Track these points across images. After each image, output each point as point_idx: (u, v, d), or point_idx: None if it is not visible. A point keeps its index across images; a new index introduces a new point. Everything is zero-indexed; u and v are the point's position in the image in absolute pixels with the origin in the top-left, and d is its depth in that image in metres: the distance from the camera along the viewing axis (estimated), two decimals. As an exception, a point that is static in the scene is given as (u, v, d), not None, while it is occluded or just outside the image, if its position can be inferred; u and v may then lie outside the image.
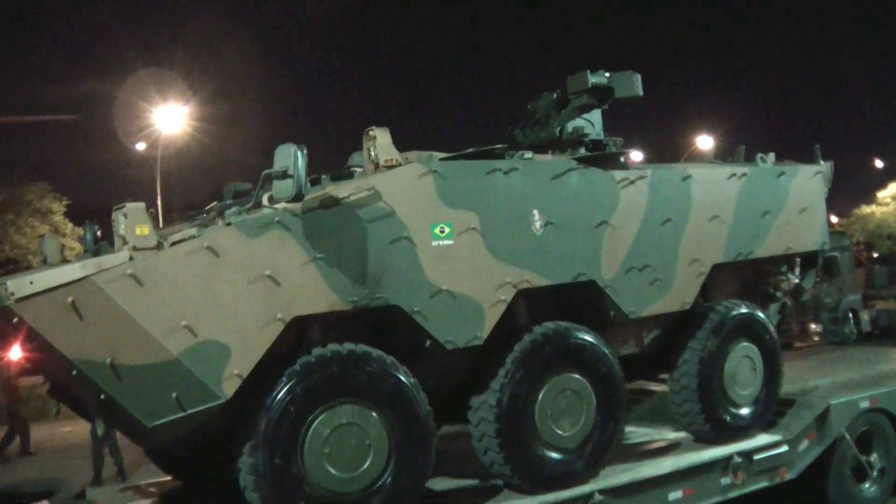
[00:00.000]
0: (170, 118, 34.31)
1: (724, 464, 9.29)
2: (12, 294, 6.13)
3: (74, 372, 6.41)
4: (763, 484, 9.65)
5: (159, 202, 33.48)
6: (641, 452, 9.61)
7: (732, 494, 9.31)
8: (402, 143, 7.86)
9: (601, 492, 8.25)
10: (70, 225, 31.85)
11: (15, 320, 6.22)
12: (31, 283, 6.19)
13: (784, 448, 9.80)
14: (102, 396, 6.55)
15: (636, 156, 19.35)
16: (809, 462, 10.06)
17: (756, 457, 9.54)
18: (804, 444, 10.03)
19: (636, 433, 10.64)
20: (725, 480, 9.27)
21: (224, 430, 7.07)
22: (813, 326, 23.23)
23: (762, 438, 9.88)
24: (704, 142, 34.49)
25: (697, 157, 10.93)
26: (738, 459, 9.33)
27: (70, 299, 6.20)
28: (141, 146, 35.91)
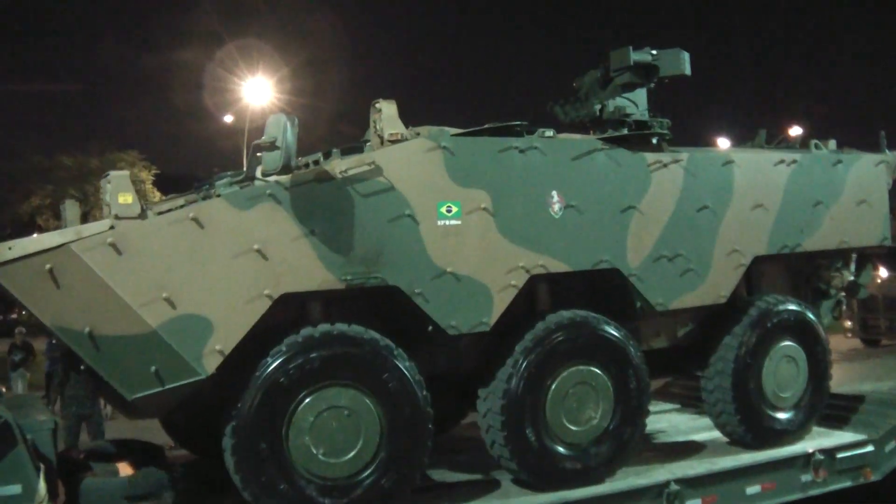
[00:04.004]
0: (258, 90, 34.61)
1: (804, 460, 8.81)
2: None
3: (54, 341, 6.33)
4: (846, 483, 9.11)
5: (245, 173, 33.87)
6: (718, 444, 9.25)
7: (814, 492, 8.84)
8: (464, 119, 7.54)
9: (677, 481, 7.97)
10: (158, 194, 32.51)
11: None
12: (10, 248, 6.11)
13: (869, 448, 9.23)
14: (83, 367, 6.45)
15: (723, 142, 18.62)
16: None
17: (839, 455, 9.02)
18: (891, 445, 9.40)
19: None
20: (806, 477, 8.80)
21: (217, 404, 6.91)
22: (902, 324, 22.17)
23: (846, 436, 9.40)
24: (796, 131, 33.19)
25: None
26: (819, 456, 8.84)
27: (48, 266, 6.09)
28: (229, 118, 36.39)
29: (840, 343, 21.70)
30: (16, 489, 5.95)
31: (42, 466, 6.16)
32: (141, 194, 31.66)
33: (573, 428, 7.79)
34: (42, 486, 6.05)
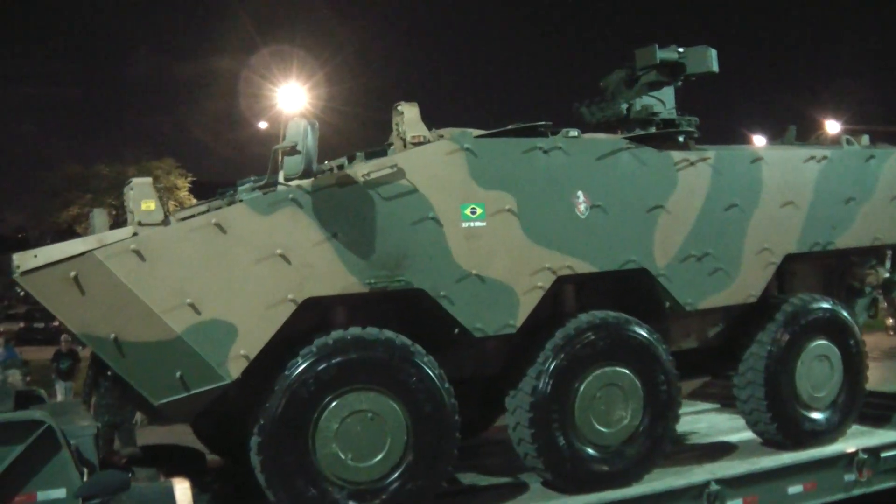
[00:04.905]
0: (292, 97, 34.67)
1: (848, 459, 8.71)
2: (18, 267, 6.11)
3: (80, 348, 6.38)
4: (891, 484, 8.98)
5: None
6: (758, 444, 9.15)
7: (857, 492, 8.73)
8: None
9: (717, 482, 7.91)
10: (195, 201, 32.74)
11: (22, 294, 6.24)
12: (35, 256, 6.16)
13: None
14: (109, 373, 6.49)
15: (759, 141, 18.48)
16: None
17: (884, 454, 8.90)
18: None
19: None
20: (850, 477, 8.70)
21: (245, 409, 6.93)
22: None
23: (890, 435, 9.26)
24: (832, 126, 32.64)
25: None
26: (863, 456, 8.74)
27: (73, 273, 6.13)
28: (263, 125, 36.54)
29: (882, 341, 21.45)
30: (60, 493, 6.01)
31: (86, 471, 6.21)
32: (178, 201, 31.99)
33: (603, 429, 7.72)
34: None
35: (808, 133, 10.17)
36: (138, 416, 12.09)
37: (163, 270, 6.29)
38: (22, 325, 37.96)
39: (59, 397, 17.57)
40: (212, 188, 8.93)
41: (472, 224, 7.25)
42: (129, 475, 6.06)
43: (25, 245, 6.98)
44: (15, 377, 14.86)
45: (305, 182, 6.70)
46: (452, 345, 7.47)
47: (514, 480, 8.12)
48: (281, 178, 6.87)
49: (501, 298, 7.34)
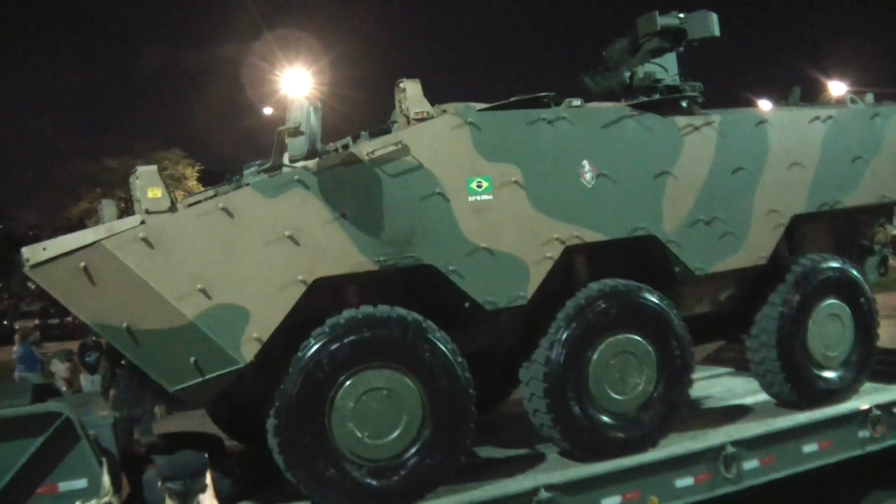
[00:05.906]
0: (296, 82, 34.51)
1: (862, 417, 8.75)
2: (27, 260, 6.14)
3: (94, 338, 6.41)
4: None
5: (286, 166, 33.92)
6: (773, 406, 9.17)
7: (872, 448, 8.79)
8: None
9: (734, 444, 7.95)
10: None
11: (33, 287, 6.26)
12: (45, 249, 6.18)
13: None
14: (123, 362, 6.52)
15: (764, 105, 18.44)
16: None
17: None
18: None
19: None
20: (864, 434, 8.75)
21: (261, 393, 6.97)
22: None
23: None
24: (837, 87, 32.33)
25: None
26: (877, 412, 8.78)
27: (82, 264, 6.15)
28: (269, 111, 36.41)
29: (893, 299, 21.33)
30: (82, 483, 6.09)
31: (105, 460, 6.25)
32: (187, 191, 32.05)
33: (618, 397, 7.75)
34: (106, 479, 6.15)
35: (813, 95, 10.11)
36: (157, 408, 12.13)
37: (172, 257, 6.31)
38: (37, 321, 38.20)
39: (86, 390, 17.56)
40: (220, 176, 8.96)
41: (478, 198, 7.24)
42: (206, 456, 6.10)
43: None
44: (57, 366, 14.88)
45: (311, 163, 6.71)
46: (465, 320, 7.49)
47: (532, 452, 8.16)
48: (286, 160, 6.88)
49: (511, 270, 7.34)
